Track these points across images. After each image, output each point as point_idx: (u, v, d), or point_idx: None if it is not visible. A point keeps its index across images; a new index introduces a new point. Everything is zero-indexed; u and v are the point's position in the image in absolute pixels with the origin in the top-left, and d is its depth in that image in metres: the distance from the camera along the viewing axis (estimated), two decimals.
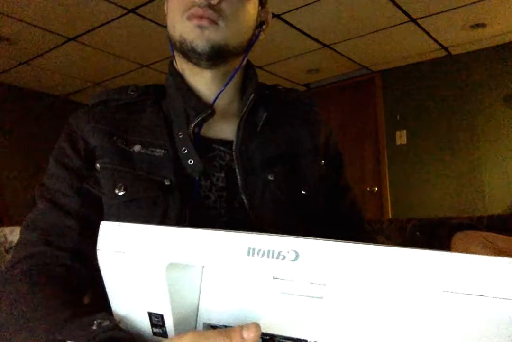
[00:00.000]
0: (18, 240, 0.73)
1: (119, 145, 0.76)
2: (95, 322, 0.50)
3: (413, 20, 3.37)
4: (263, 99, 0.83)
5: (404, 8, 3.19)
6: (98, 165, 0.75)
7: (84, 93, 4.68)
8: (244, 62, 0.82)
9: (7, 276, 0.67)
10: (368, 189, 4.34)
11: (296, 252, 0.43)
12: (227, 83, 0.79)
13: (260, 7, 0.80)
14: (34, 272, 0.67)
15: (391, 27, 3.48)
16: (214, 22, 0.71)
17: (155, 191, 0.72)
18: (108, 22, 3.28)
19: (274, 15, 3.22)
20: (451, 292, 0.38)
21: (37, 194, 0.76)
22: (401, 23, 3.43)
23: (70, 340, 0.50)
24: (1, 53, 3.73)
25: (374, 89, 4.44)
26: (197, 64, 0.76)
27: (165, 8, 0.80)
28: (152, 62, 4.01)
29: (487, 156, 3.79)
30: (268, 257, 0.44)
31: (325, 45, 3.81)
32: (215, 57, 0.73)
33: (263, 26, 0.83)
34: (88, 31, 3.41)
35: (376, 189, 4.32)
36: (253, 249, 0.45)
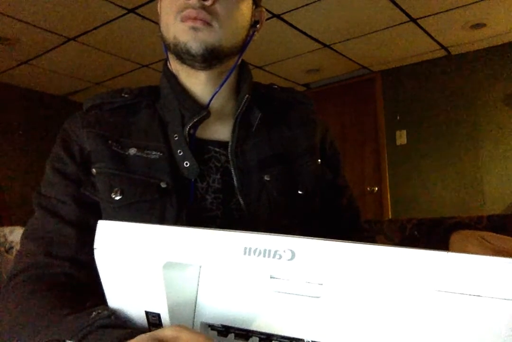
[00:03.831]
0: (18, 250, 0.73)
1: (114, 149, 0.75)
2: (94, 312, 0.52)
3: (413, 20, 3.38)
4: (258, 99, 0.83)
5: (404, 8, 3.19)
6: (94, 170, 0.74)
7: (84, 93, 4.68)
8: (239, 62, 0.82)
9: (11, 284, 0.68)
10: (368, 189, 4.34)
11: (292, 252, 0.43)
12: (222, 84, 0.79)
13: (254, 7, 0.80)
14: (35, 281, 0.67)
15: (391, 27, 3.48)
16: (208, 24, 0.71)
17: (152, 194, 0.72)
18: (108, 22, 3.28)
19: (274, 15, 3.22)
20: (446, 291, 0.38)
21: (35, 202, 0.75)
22: (401, 23, 3.43)
23: (68, 331, 0.51)
24: (1, 53, 3.73)
25: (374, 89, 4.44)
26: (191, 65, 0.75)
27: (158, 8, 0.80)
28: (152, 62, 4.01)
29: (487, 156, 3.79)
30: (264, 256, 0.44)
31: (325, 45, 3.81)
32: (210, 58, 0.73)
33: (258, 26, 0.82)
34: (88, 31, 3.41)
35: (376, 189, 4.32)
36: (250, 249, 0.45)
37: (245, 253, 0.45)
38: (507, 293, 0.36)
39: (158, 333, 0.45)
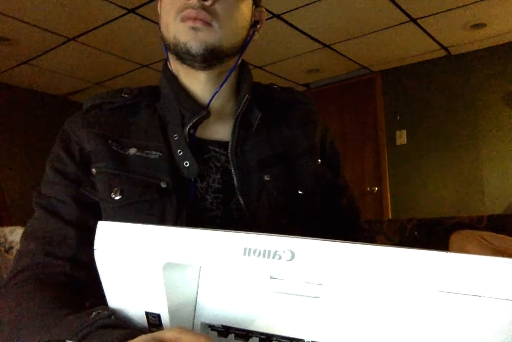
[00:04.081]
0: (18, 250, 0.73)
1: (114, 149, 0.75)
2: (94, 312, 0.52)
3: (413, 20, 3.38)
4: (258, 99, 0.83)
5: (404, 8, 3.19)
6: (94, 170, 0.74)
7: (84, 93, 4.69)
8: (239, 62, 0.82)
9: (11, 284, 0.68)
10: (368, 189, 4.34)
11: (292, 252, 0.43)
12: (222, 84, 0.79)
13: (254, 7, 0.79)
14: (35, 281, 0.67)
15: (391, 27, 3.49)
16: (208, 24, 0.71)
17: (152, 194, 0.72)
18: (108, 22, 3.29)
19: (274, 15, 3.22)
20: (446, 292, 0.38)
21: (34, 202, 0.75)
22: (401, 23, 3.43)
23: (68, 331, 0.51)
24: (1, 53, 3.73)
25: (374, 89, 4.44)
26: (191, 65, 0.75)
27: (158, 8, 0.80)
28: (152, 62, 4.01)
29: (487, 156, 3.79)
30: (264, 256, 0.44)
31: (325, 45, 3.81)
32: (210, 58, 0.73)
33: (258, 26, 0.82)
34: (88, 31, 3.41)
35: (376, 189, 4.32)
36: (249, 249, 0.45)
37: (245, 254, 0.45)
38: (507, 293, 0.36)
39: (158, 334, 0.45)
